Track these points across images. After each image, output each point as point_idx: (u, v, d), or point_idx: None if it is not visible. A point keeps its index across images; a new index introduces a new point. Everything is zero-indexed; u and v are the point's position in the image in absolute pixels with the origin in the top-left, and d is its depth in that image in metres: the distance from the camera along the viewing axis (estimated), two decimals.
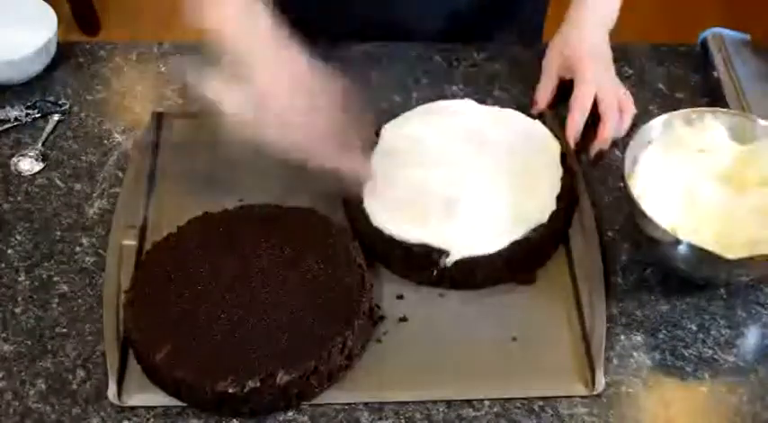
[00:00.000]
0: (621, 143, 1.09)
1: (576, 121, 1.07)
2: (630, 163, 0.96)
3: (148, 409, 0.87)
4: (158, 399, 0.88)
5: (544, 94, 1.12)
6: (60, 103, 1.14)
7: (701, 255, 0.88)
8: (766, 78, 1.12)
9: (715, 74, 1.14)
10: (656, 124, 0.99)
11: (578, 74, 1.09)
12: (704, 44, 1.18)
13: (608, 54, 1.13)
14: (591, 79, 1.08)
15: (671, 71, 1.19)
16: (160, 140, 1.09)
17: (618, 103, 1.09)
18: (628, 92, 1.11)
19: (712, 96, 1.14)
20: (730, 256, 0.87)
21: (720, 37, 1.17)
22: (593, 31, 1.13)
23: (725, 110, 1.03)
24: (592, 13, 1.13)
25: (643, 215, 0.91)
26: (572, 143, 1.06)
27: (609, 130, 1.07)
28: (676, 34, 1.24)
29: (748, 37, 1.18)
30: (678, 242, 0.89)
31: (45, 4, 1.19)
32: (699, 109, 1.01)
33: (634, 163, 0.97)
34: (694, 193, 0.96)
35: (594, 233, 0.99)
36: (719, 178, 0.97)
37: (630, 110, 1.09)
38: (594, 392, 0.88)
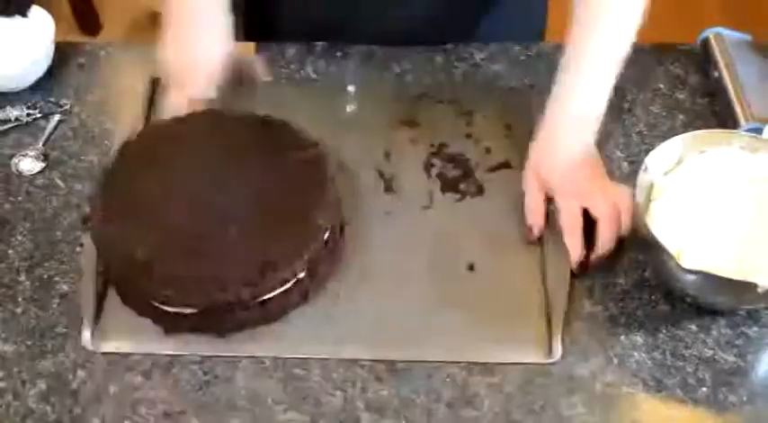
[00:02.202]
0: (622, 144, 1.09)
1: (574, 247, 0.97)
2: (647, 180, 0.96)
3: (150, 409, 0.88)
4: (133, 346, 0.91)
5: (535, 218, 1.00)
6: (61, 103, 1.15)
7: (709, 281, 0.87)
8: (766, 78, 1.12)
9: (715, 74, 1.14)
10: (683, 142, 0.97)
11: (558, 194, 1.00)
12: (704, 44, 1.18)
13: (590, 152, 1.02)
14: (573, 195, 0.99)
15: (671, 71, 1.19)
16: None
17: (613, 209, 0.97)
18: (621, 186, 0.99)
19: (712, 96, 1.14)
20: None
21: (721, 37, 1.17)
22: (570, 132, 1.02)
23: None
24: (568, 108, 1.02)
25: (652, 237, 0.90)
26: (576, 267, 0.97)
27: (604, 245, 0.97)
28: (676, 34, 1.23)
29: (749, 37, 1.17)
30: (686, 270, 0.88)
31: (42, 9, 1.18)
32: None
33: (650, 179, 0.96)
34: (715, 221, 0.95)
35: None
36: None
37: (627, 208, 0.97)
38: (551, 360, 0.91)
